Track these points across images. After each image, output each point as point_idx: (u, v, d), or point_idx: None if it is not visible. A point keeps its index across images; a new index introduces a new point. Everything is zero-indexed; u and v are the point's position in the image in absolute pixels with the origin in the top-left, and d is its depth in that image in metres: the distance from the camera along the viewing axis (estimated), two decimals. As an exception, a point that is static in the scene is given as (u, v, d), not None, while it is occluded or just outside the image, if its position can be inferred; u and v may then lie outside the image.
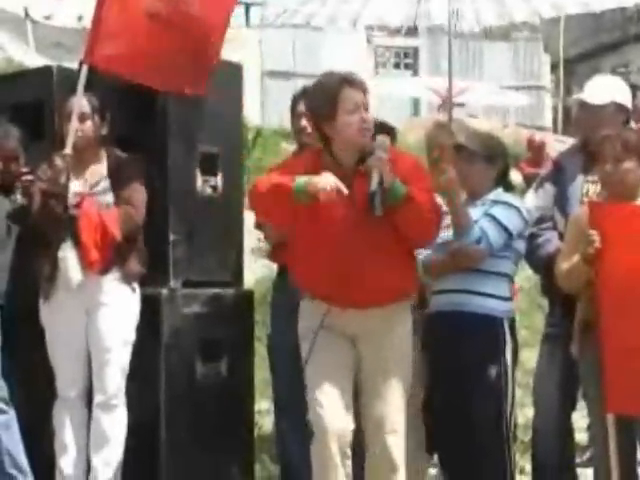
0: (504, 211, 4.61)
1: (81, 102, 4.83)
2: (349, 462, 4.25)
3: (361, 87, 4.27)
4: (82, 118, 4.85)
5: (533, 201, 4.96)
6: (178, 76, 4.91)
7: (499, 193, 4.72)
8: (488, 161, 4.73)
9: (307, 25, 5.65)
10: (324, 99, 4.25)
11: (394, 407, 4.24)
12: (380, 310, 4.23)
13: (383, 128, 4.89)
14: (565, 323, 4.57)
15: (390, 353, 4.24)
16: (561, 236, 4.70)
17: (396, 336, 4.27)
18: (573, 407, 4.95)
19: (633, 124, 5.03)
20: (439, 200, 4.46)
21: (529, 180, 9.74)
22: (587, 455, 5.60)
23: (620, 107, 4.85)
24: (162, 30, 4.82)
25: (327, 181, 4.09)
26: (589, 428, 5.21)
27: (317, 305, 4.28)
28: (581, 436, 5.59)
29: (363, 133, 4.22)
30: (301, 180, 4.12)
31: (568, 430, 4.92)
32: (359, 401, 4.31)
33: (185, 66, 4.90)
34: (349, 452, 4.25)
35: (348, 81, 4.26)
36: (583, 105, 4.90)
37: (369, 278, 4.17)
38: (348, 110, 4.20)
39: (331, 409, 4.20)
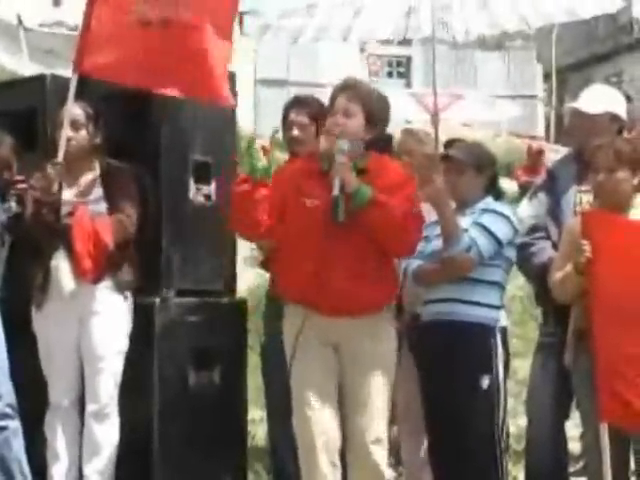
0: (493, 219, 4.62)
1: (74, 110, 4.82)
2: (338, 473, 4.24)
3: (350, 93, 4.25)
4: (76, 127, 4.85)
5: (527, 210, 4.96)
6: (177, 80, 4.83)
7: (488, 202, 4.73)
8: (477, 170, 4.74)
9: (295, 40, 5.63)
10: (329, 105, 4.37)
11: (377, 417, 4.22)
12: (359, 320, 4.19)
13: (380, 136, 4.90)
14: (559, 332, 4.58)
15: (371, 363, 4.21)
16: (554, 245, 4.70)
17: (377, 346, 4.23)
18: (566, 417, 4.95)
19: (626, 134, 5.04)
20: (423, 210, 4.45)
21: (525, 189, 9.75)
22: (580, 464, 5.60)
23: (615, 117, 4.86)
24: (155, 36, 4.77)
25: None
26: (582, 437, 5.22)
27: (297, 309, 4.27)
28: (574, 445, 5.59)
29: (328, 135, 4.24)
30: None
31: (561, 440, 4.92)
32: (342, 411, 4.28)
33: (186, 71, 4.79)
34: (338, 462, 4.24)
35: (341, 87, 4.30)
36: (578, 114, 4.90)
37: (344, 287, 4.14)
38: (330, 113, 4.27)
39: (317, 421, 4.19)
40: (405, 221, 4.16)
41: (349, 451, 4.27)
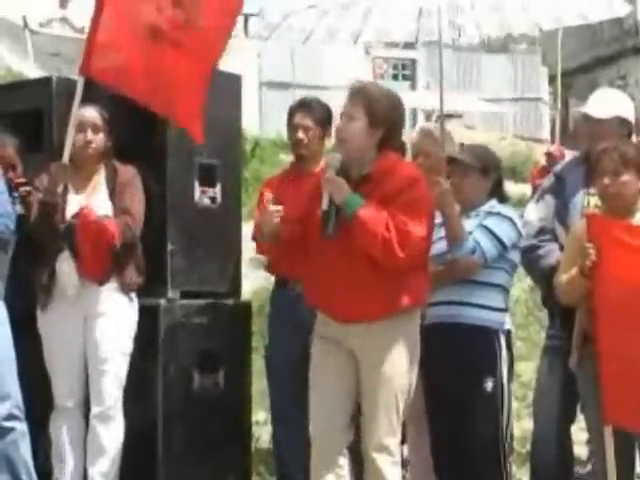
0: (497, 222, 4.62)
1: (92, 114, 4.86)
2: (341, 471, 4.22)
3: (352, 97, 4.21)
4: (96, 130, 4.88)
5: (534, 212, 4.96)
6: (174, 101, 4.79)
7: (493, 205, 4.74)
8: (482, 173, 4.75)
9: (306, 40, 5.63)
10: None
11: (383, 424, 4.16)
12: (365, 327, 4.15)
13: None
14: (566, 335, 4.56)
15: (381, 371, 4.16)
16: (562, 248, 4.69)
17: (389, 354, 4.16)
18: (573, 420, 4.94)
19: (635, 137, 5.04)
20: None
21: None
22: (588, 468, 5.59)
23: (623, 121, 4.85)
24: (163, 46, 4.74)
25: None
26: (589, 442, 5.21)
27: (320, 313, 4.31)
28: (581, 449, 5.58)
29: (336, 142, 4.23)
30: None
31: (567, 443, 4.92)
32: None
33: (183, 92, 4.77)
34: (341, 461, 4.21)
35: (348, 91, 4.27)
36: (586, 118, 4.89)
37: (342, 294, 4.13)
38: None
39: (320, 424, 4.20)
40: (389, 236, 4.03)
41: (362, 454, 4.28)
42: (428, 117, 14.38)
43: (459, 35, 5.50)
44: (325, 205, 4.11)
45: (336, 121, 4.31)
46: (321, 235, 4.12)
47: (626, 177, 4.30)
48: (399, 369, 4.19)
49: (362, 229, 4.05)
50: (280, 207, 4.22)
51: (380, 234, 4.03)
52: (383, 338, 4.17)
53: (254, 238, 5.31)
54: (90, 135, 4.87)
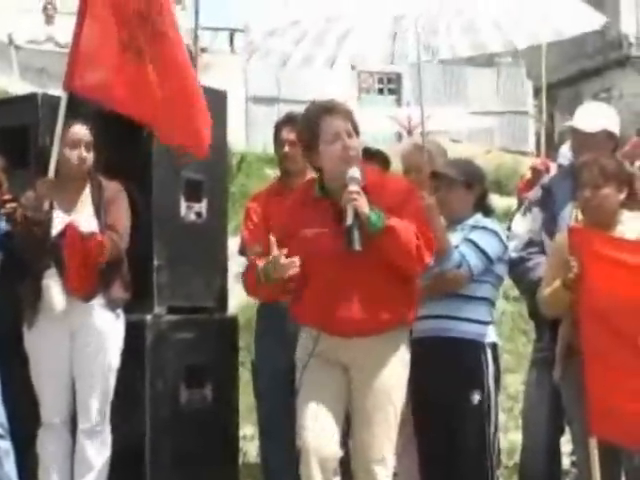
0: (483, 236, 4.64)
1: (84, 131, 4.87)
2: None
3: (342, 114, 4.20)
4: (88, 147, 4.89)
5: (522, 225, 4.98)
6: (160, 115, 4.77)
7: (478, 218, 4.76)
8: (467, 187, 4.77)
9: (284, 64, 5.65)
10: (306, 130, 4.25)
11: (382, 437, 4.16)
12: (369, 340, 4.14)
13: (377, 157, 4.90)
14: (553, 348, 4.57)
15: (380, 384, 4.16)
16: (551, 260, 4.71)
17: (387, 367, 4.18)
18: (562, 432, 4.95)
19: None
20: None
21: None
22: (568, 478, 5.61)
23: (610, 135, 4.89)
24: (141, 61, 4.75)
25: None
26: (572, 453, 5.22)
27: (309, 332, 4.24)
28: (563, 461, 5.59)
29: (346, 161, 4.14)
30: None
31: (556, 455, 4.93)
32: (350, 429, 4.26)
33: (170, 109, 4.72)
34: (333, 478, 4.20)
35: (328, 109, 4.21)
36: (574, 131, 4.92)
37: (354, 309, 4.11)
38: (327, 140, 4.16)
39: (317, 435, 4.15)
40: (420, 244, 4.08)
41: (353, 469, 4.24)
42: (409, 132, 14.34)
43: (432, 56, 5.53)
44: (350, 220, 4.03)
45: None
46: (347, 250, 4.03)
47: (606, 190, 4.33)
48: (398, 382, 4.22)
49: (396, 239, 4.05)
50: (296, 260, 4.08)
51: (414, 242, 4.08)
52: (382, 351, 4.18)
53: (241, 252, 5.32)
54: (84, 152, 4.88)
